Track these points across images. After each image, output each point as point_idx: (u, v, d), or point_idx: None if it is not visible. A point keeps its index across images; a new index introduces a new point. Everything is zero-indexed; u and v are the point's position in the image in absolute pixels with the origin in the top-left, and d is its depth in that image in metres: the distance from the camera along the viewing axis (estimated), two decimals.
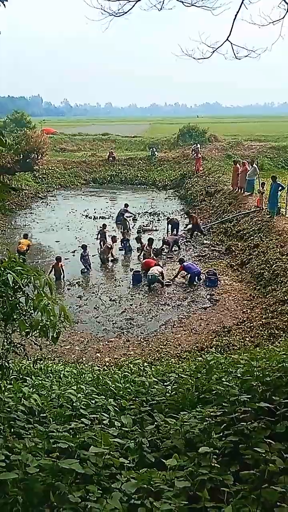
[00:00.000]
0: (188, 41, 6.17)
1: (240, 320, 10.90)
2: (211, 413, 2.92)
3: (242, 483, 2.35)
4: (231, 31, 6.10)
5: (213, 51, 6.30)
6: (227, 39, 6.17)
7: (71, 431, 3.00)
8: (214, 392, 3.63)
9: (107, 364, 9.00)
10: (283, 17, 5.67)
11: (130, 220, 21.91)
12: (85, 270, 15.80)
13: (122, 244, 18.02)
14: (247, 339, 9.40)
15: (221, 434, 2.87)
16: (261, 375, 3.47)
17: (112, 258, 16.72)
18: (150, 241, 16.59)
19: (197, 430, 3.03)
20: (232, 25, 5.96)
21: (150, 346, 10.18)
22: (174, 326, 11.25)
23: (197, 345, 9.64)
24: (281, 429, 2.81)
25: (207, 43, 6.13)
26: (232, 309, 11.83)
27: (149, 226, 21.66)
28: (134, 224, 21.97)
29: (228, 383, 3.61)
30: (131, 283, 14.55)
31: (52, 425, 2.91)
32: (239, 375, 3.64)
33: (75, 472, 2.43)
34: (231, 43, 6.19)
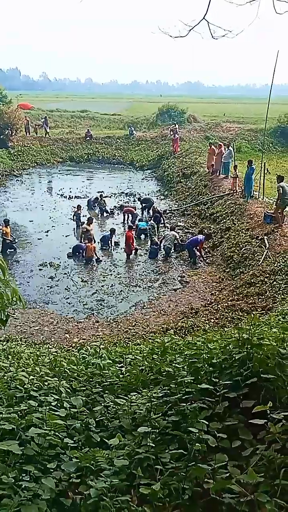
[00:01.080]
0: (167, 19, 6.04)
1: (208, 302, 11.12)
2: (153, 394, 3.02)
3: (177, 461, 2.47)
4: (207, 9, 5.99)
5: (190, 30, 6.20)
6: (203, 18, 6.07)
7: (19, 413, 3.04)
8: (164, 373, 3.72)
9: (75, 345, 9.07)
10: None
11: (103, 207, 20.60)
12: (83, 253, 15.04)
13: (101, 243, 16.26)
14: (212, 320, 9.63)
15: (165, 414, 2.97)
16: (208, 357, 3.57)
17: (97, 258, 14.92)
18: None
19: (144, 410, 3.13)
20: (209, 3, 5.84)
21: (119, 327, 10.30)
22: (144, 307, 11.41)
23: (164, 326, 9.82)
24: (220, 410, 2.92)
25: (184, 22, 6.00)
26: (201, 291, 12.05)
27: (127, 203, 21.63)
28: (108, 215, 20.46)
29: (177, 365, 3.70)
30: (148, 256, 15.10)
31: None
32: (188, 357, 3.74)
33: (19, 453, 2.48)
34: (208, 22, 6.09)
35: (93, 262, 14.65)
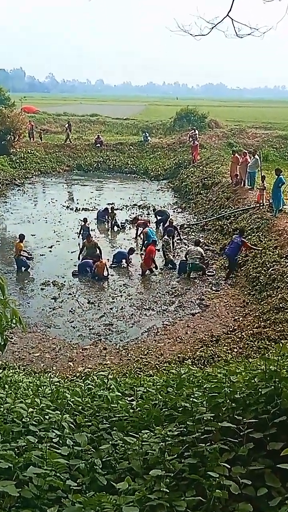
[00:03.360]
0: (187, 16, 6.15)
1: (231, 329, 11.05)
2: (168, 432, 2.99)
3: (194, 510, 2.43)
4: (232, 5, 6.13)
5: (212, 28, 6.33)
6: (227, 15, 6.20)
7: (16, 450, 3.05)
8: (180, 409, 3.70)
9: (80, 374, 9.07)
10: None
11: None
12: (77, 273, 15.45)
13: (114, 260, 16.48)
14: (235, 350, 9.56)
15: (181, 455, 2.94)
16: (230, 391, 3.54)
17: (105, 276, 15.00)
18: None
19: (157, 451, 3.11)
20: None
21: (129, 355, 10.29)
22: (158, 334, 11.39)
23: (180, 355, 9.78)
24: (244, 452, 2.88)
25: (206, 19, 6.13)
26: (223, 316, 11.99)
27: (141, 216, 21.83)
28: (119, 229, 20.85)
29: (195, 400, 3.67)
30: (178, 272, 15.33)
31: None
32: (208, 391, 3.71)
33: (16, 495, 2.48)
34: (232, 19, 6.21)
35: (102, 281, 14.76)
